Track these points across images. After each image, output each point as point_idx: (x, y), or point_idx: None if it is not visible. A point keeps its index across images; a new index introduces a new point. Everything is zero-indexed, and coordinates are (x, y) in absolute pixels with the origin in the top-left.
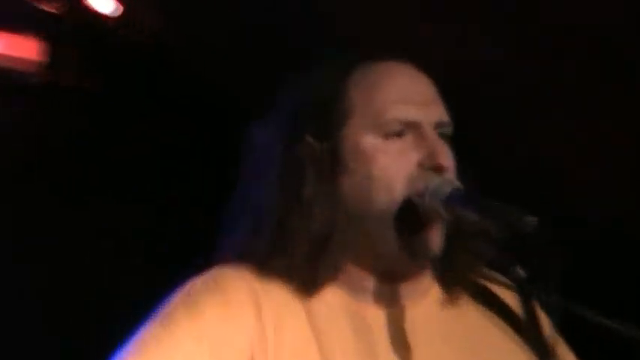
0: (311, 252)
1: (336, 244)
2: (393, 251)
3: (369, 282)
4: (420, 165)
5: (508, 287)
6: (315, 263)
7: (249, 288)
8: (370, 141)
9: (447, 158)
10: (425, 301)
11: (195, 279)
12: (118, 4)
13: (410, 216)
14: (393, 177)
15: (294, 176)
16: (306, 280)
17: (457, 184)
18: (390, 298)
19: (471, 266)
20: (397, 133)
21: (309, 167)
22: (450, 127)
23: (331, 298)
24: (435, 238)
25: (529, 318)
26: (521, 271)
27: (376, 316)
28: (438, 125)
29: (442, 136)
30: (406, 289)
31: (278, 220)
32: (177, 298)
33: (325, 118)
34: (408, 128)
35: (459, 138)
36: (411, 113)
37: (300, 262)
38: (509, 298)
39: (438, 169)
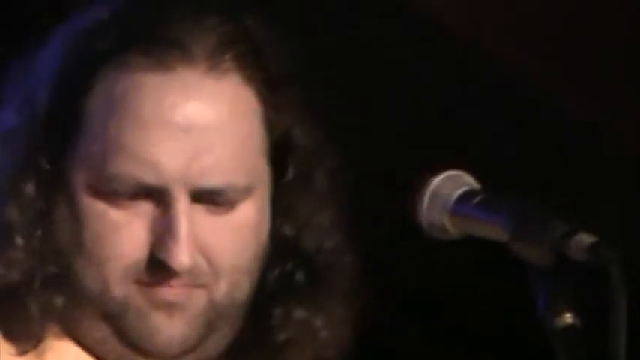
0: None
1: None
2: (111, 346)
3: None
4: (154, 253)
5: None
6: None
7: None
8: (84, 194)
9: (181, 253)
10: None
11: None
12: None
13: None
14: (106, 270)
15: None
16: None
17: (469, 181)
18: None
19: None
20: (124, 195)
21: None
22: (233, 192)
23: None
24: (172, 322)
25: None
26: (574, 321)
27: None
28: (200, 192)
29: (211, 209)
30: None
31: None
32: None
33: (57, 125)
34: (150, 192)
35: None
36: (141, 170)
37: None
38: None
39: (158, 274)
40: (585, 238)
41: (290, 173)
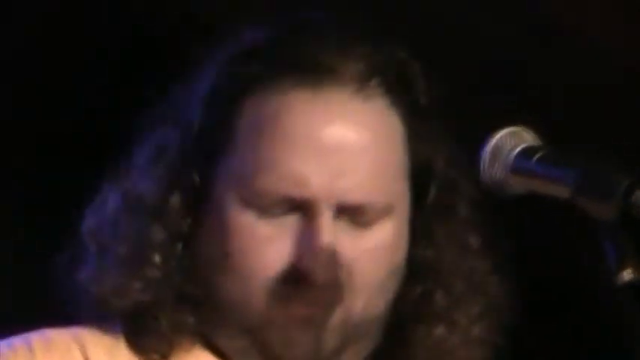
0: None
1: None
2: (251, 357)
3: None
4: (295, 265)
5: None
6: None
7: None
8: (233, 208)
9: (321, 264)
10: None
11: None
12: None
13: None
14: (250, 282)
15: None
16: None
17: (530, 137)
18: None
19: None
20: (272, 209)
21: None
22: (373, 211)
23: None
24: (308, 336)
25: None
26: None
27: None
28: (343, 208)
29: (352, 226)
30: None
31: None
32: None
33: (209, 142)
34: (297, 205)
35: None
36: (289, 185)
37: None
38: None
39: (299, 288)
40: None
41: (431, 197)
